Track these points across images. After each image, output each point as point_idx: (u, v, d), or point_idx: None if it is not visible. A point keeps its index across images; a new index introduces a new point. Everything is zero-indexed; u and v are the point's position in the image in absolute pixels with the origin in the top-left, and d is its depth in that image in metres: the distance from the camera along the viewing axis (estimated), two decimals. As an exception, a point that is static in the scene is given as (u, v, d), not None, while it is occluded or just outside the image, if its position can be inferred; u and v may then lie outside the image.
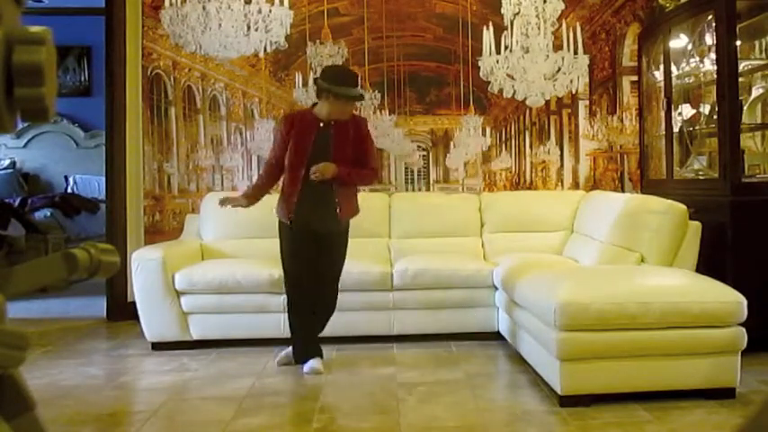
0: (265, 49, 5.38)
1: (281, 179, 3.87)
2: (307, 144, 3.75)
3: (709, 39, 4.49)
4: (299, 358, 3.85)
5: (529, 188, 5.54)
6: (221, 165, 5.48)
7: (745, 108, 4.39)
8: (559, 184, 5.54)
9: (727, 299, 3.17)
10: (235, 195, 4.10)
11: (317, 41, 5.43)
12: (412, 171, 5.58)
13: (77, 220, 7.55)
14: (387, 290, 4.39)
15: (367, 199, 5.01)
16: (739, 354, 3.18)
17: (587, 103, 5.52)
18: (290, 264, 3.84)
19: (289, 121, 3.88)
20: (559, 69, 5.44)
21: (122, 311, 5.16)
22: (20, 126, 0.81)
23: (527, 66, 5.42)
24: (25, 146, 8.78)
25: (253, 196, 3.95)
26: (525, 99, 5.48)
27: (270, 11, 5.32)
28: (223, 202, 3.98)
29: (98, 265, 0.89)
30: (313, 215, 3.75)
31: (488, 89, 5.48)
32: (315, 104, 3.87)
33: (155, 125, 5.41)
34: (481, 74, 5.46)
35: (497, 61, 5.43)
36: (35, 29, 0.72)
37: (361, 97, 3.96)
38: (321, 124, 3.78)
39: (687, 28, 4.72)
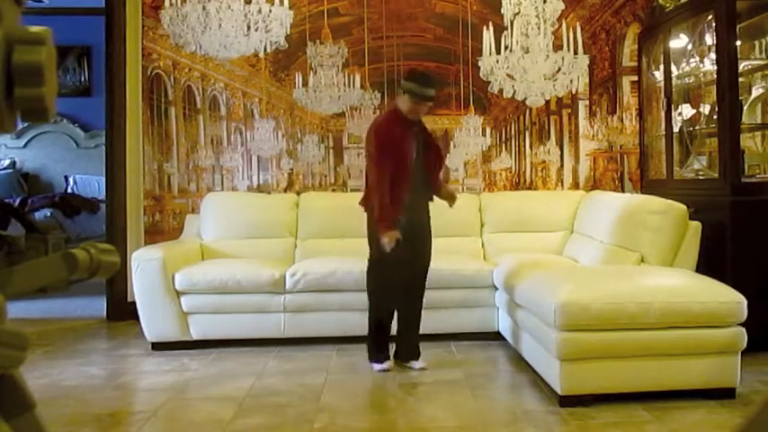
0: (265, 49, 5.39)
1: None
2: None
3: (710, 39, 4.49)
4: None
5: (529, 188, 5.54)
6: (221, 165, 5.48)
7: (745, 108, 4.39)
8: (559, 184, 5.54)
9: (727, 299, 3.17)
10: None
11: (317, 41, 5.43)
12: (412, 171, 5.57)
13: (77, 220, 7.54)
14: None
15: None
16: (739, 354, 3.18)
17: (587, 103, 5.52)
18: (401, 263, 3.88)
19: None
20: (559, 69, 5.44)
21: (122, 311, 5.16)
22: (20, 126, 0.81)
23: (527, 66, 5.42)
24: (25, 146, 8.78)
25: None
26: (525, 99, 5.48)
27: (270, 11, 5.32)
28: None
29: (98, 265, 0.89)
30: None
31: (488, 89, 5.48)
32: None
33: (155, 125, 5.41)
34: (481, 74, 5.46)
35: (497, 61, 5.43)
36: (35, 29, 0.72)
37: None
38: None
39: (687, 28, 4.72)
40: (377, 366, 3.84)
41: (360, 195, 4.11)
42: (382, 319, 3.93)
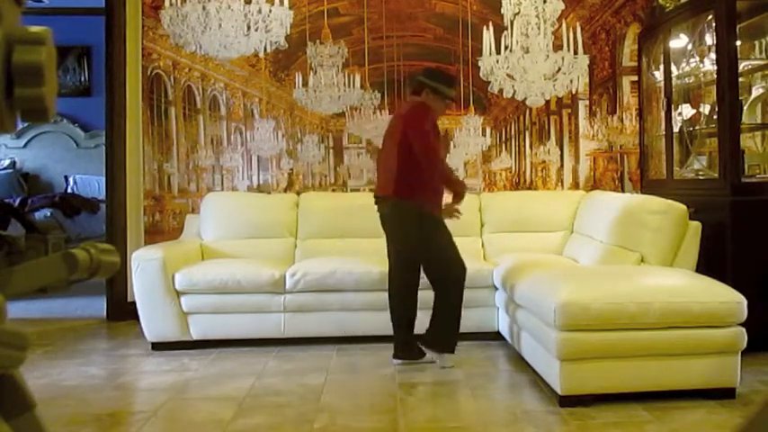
0: (265, 49, 5.39)
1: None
2: None
3: (709, 39, 4.49)
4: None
5: (529, 188, 5.54)
6: (221, 165, 5.48)
7: (745, 108, 4.39)
8: (559, 184, 5.54)
9: (727, 299, 3.17)
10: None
11: (317, 41, 5.43)
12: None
13: (77, 220, 7.55)
14: (387, 290, 4.38)
15: (367, 199, 5.01)
16: (739, 354, 3.18)
17: (587, 103, 5.52)
18: (455, 251, 3.90)
19: None
20: (559, 69, 5.44)
21: (122, 311, 5.16)
22: (20, 126, 0.81)
23: (527, 66, 5.42)
24: (25, 146, 8.78)
25: None
26: (525, 99, 5.48)
27: (270, 11, 5.32)
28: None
29: (98, 265, 0.89)
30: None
31: (488, 89, 5.48)
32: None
33: (155, 125, 5.41)
34: (481, 74, 5.46)
35: (497, 61, 5.43)
36: (35, 29, 0.72)
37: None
38: None
39: (687, 28, 4.72)
40: (453, 356, 3.86)
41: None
42: (461, 298, 3.91)
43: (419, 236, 3.84)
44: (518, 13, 5.41)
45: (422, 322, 3.93)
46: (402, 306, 3.94)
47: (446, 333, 3.86)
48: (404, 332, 3.92)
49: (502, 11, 5.43)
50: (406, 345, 3.90)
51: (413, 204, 3.82)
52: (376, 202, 4.03)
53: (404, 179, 3.81)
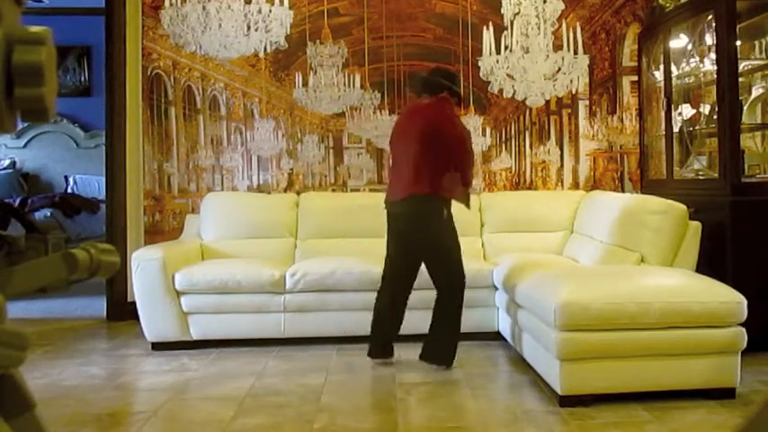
0: (265, 49, 5.39)
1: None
2: None
3: (710, 39, 4.49)
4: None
5: (529, 188, 5.54)
6: (221, 165, 5.48)
7: (745, 108, 4.39)
8: (559, 184, 5.54)
9: (727, 299, 3.17)
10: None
11: (317, 41, 5.43)
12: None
13: (77, 220, 7.55)
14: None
15: (367, 199, 5.02)
16: (739, 354, 3.18)
17: (587, 103, 5.52)
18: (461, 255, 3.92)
19: None
20: (559, 69, 5.44)
21: (122, 311, 5.16)
22: (20, 126, 0.81)
23: (527, 66, 5.42)
24: (25, 146, 8.78)
25: None
26: (525, 99, 5.48)
27: (270, 11, 5.32)
28: None
29: (98, 265, 0.89)
30: None
31: (488, 89, 5.48)
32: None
33: (155, 125, 5.41)
34: (481, 74, 5.46)
35: (497, 61, 5.43)
36: (35, 29, 0.72)
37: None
38: None
39: (687, 28, 4.72)
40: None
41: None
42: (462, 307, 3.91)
43: (441, 231, 3.83)
44: (518, 13, 5.41)
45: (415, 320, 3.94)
46: (392, 316, 3.93)
47: (447, 343, 3.84)
48: (383, 338, 3.93)
49: (502, 11, 5.43)
50: (383, 345, 3.92)
51: (442, 199, 3.81)
52: (393, 204, 3.91)
53: (436, 175, 3.76)
